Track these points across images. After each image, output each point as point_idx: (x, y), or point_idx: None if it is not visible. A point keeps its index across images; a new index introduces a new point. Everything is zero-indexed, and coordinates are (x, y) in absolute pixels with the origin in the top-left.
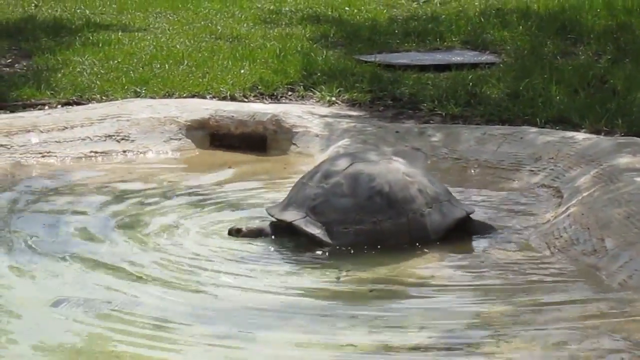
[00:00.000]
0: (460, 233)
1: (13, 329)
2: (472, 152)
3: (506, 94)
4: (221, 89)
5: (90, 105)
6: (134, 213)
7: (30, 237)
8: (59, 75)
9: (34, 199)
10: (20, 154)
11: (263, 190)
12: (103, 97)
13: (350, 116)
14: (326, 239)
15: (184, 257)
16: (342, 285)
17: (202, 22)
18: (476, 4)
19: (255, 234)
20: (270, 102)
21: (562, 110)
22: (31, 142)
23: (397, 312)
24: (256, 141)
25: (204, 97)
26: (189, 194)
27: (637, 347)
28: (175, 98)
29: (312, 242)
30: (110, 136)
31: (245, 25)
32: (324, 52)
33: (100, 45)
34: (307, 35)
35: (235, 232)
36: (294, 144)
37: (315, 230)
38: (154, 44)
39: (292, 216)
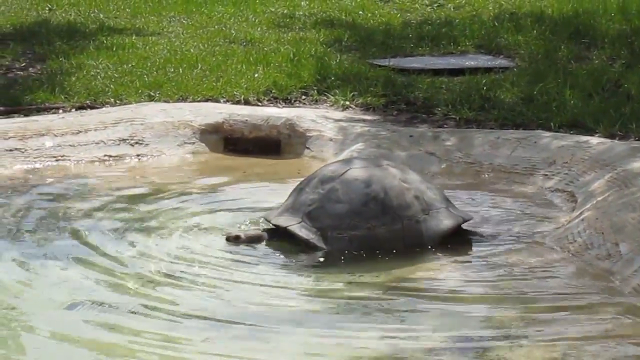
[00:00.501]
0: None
1: (27, 332)
2: (486, 156)
3: (520, 98)
4: (235, 93)
5: (104, 109)
6: (147, 217)
7: (44, 241)
8: (73, 79)
9: (47, 202)
10: (35, 158)
11: (276, 194)
12: (117, 101)
13: (364, 120)
14: (320, 244)
15: (197, 261)
16: (355, 289)
17: (216, 26)
18: (490, 8)
19: (253, 240)
20: (284, 106)
21: (576, 115)
22: (45, 146)
23: (410, 316)
24: (270, 145)
25: (217, 101)
26: (203, 198)
27: None
28: (189, 102)
29: (307, 247)
30: (124, 140)
31: (259, 29)
32: (338, 56)
33: (114, 49)
34: (321, 40)
35: (233, 239)
36: (308, 148)
37: (310, 235)
38: (168, 47)
39: (287, 221)
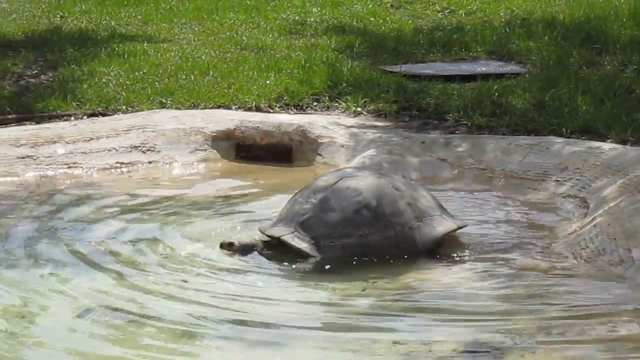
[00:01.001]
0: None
1: (40, 339)
2: (498, 162)
3: (532, 104)
4: (246, 99)
5: (115, 116)
6: (158, 224)
7: (55, 248)
8: (85, 86)
9: (59, 209)
10: (46, 165)
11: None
12: (129, 108)
13: (375, 126)
14: (313, 252)
15: (208, 268)
16: (365, 297)
17: (228, 33)
18: (501, 14)
19: (247, 248)
20: (295, 113)
21: (588, 121)
22: (57, 153)
23: (422, 322)
24: (282, 152)
25: (229, 108)
26: (214, 205)
27: None
28: (201, 109)
29: (300, 256)
30: (135, 147)
31: (270, 36)
32: (350, 62)
33: (126, 56)
34: (333, 46)
35: (227, 246)
36: (320, 154)
37: (302, 245)
38: (180, 54)
39: (280, 231)
